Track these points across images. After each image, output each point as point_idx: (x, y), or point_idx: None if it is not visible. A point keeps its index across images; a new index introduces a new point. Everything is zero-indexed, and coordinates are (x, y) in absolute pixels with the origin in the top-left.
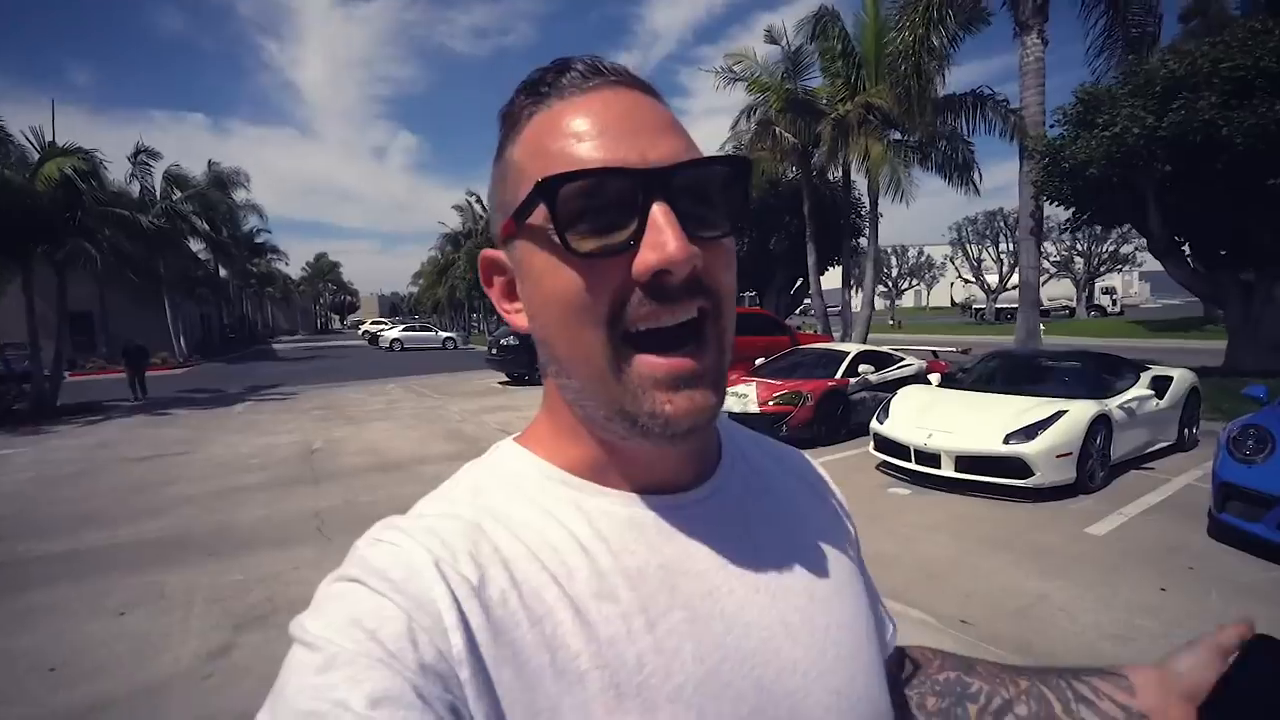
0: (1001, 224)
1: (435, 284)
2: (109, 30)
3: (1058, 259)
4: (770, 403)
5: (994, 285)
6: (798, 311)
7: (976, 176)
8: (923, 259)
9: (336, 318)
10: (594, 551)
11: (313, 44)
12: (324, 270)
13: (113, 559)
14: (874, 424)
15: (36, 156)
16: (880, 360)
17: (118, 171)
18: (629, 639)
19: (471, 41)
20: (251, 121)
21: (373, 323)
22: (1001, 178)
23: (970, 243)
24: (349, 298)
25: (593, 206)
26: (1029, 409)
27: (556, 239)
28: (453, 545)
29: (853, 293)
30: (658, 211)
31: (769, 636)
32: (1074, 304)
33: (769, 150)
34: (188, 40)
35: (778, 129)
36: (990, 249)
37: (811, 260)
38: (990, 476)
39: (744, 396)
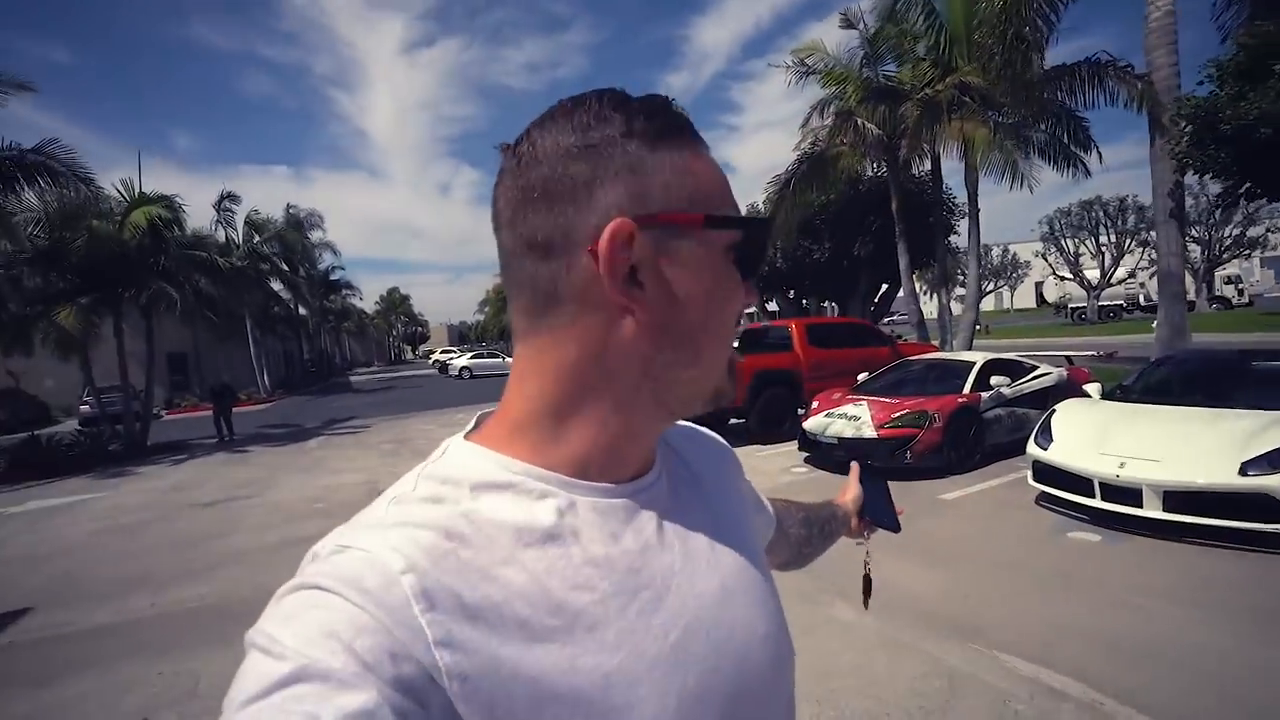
0: (1100, 213)
1: (501, 310)
2: (202, 96)
3: None
4: (890, 425)
5: (1095, 281)
6: (885, 320)
7: (1096, 157)
8: (1008, 258)
9: (409, 348)
10: (567, 543)
11: (379, 92)
12: (395, 303)
13: (150, 636)
14: (1033, 449)
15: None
16: (1012, 370)
17: (205, 219)
18: (606, 624)
19: (525, 77)
20: (327, 168)
21: (442, 351)
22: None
23: (1065, 236)
24: (419, 328)
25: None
26: (1263, 429)
27: (735, 268)
28: (430, 549)
29: (934, 297)
30: None
31: (716, 602)
32: (1190, 296)
33: (849, 145)
34: (270, 100)
35: (859, 120)
36: (1089, 242)
37: (903, 263)
38: (1218, 519)
39: (856, 419)
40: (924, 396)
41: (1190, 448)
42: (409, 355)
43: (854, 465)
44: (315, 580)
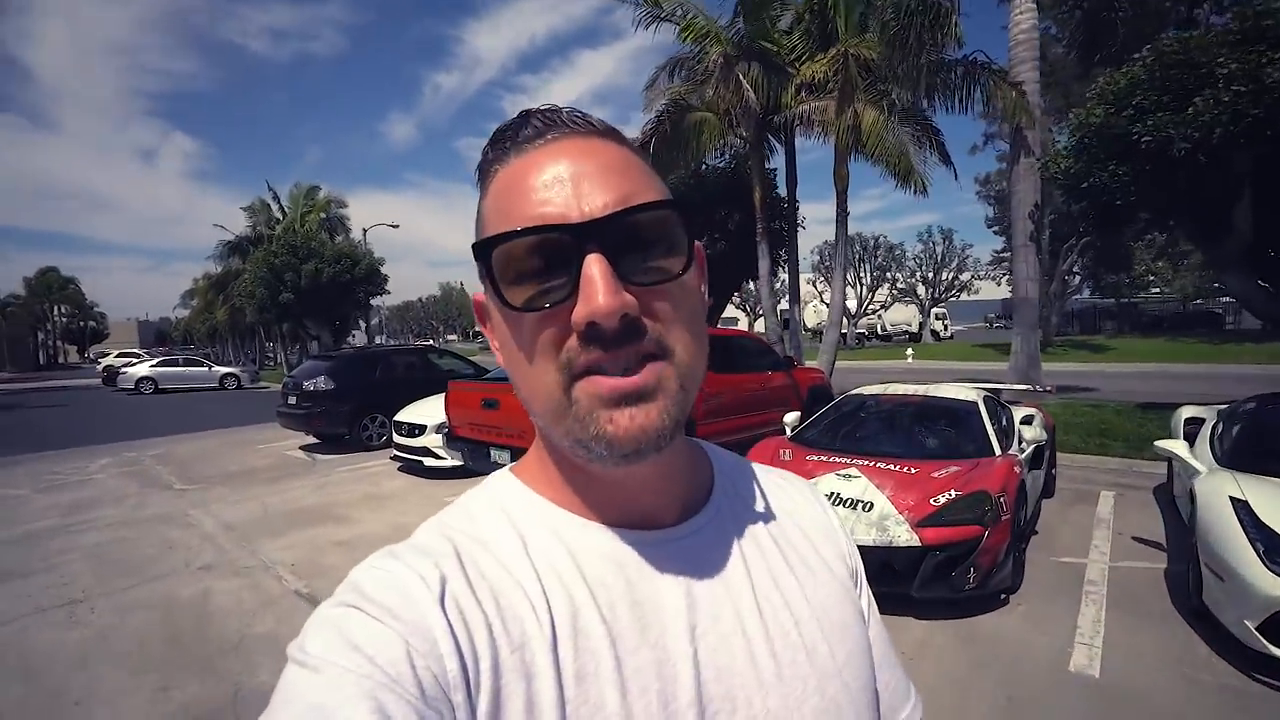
0: (860, 250)
1: (212, 304)
2: None
3: (903, 285)
4: (935, 521)
5: (854, 310)
6: None
7: (952, 171)
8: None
9: (74, 349)
10: (572, 585)
11: (49, 19)
12: (51, 288)
13: None
14: (1273, 583)
15: None
16: (1004, 411)
17: None
18: (595, 677)
19: (269, 42)
20: None
21: (119, 354)
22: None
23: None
24: (92, 324)
25: (531, 262)
26: None
27: (495, 295)
28: (445, 570)
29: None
30: (590, 263)
31: (742, 683)
32: (912, 329)
33: (719, 110)
34: None
35: (740, 76)
36: (849, 274)
37: (764, 266)
38: None
39: (866, 508)
40: (953, 462)
41: None
42: (74, 358)
43: None
44: (343, 600)
